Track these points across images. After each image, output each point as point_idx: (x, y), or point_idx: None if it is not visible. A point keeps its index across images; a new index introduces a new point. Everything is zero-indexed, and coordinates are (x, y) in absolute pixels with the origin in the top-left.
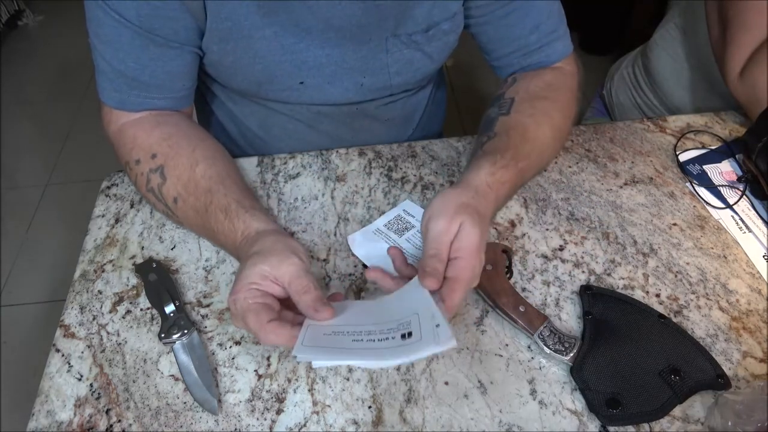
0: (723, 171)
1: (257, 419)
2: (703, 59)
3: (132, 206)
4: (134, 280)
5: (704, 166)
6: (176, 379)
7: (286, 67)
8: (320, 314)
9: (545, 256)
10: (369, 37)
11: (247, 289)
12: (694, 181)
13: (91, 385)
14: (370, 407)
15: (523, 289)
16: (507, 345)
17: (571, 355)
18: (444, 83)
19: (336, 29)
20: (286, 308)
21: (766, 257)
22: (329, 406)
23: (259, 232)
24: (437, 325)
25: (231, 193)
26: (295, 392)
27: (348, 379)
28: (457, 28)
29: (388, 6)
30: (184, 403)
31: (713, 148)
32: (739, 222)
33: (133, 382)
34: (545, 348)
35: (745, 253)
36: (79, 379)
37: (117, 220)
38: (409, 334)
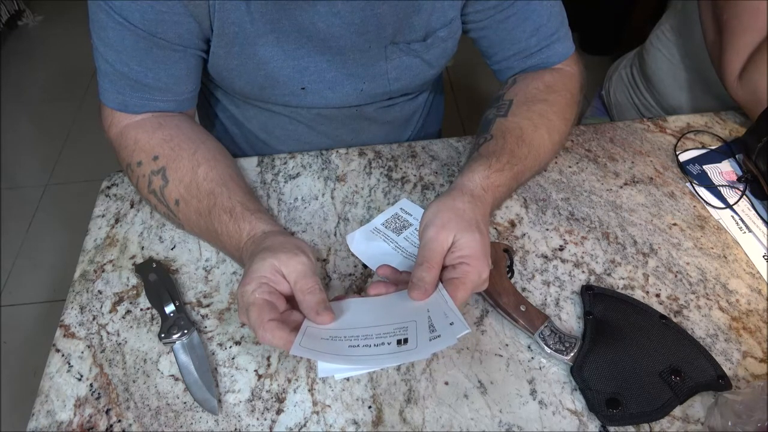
0: (723, 171)
1: (257, 419)
2: (698, 60)
3: (132, 206)
4: (134, 280)
5: (704, 166)
6: (176, 379)
7: (288, 72)
8: (321, 318)
9: (545, 256)
10: (368, 45)
11: (257, 282)
12: (694, 181)
13: (91, 385)
14: (370, 407)
15: (523, 289)
16: (507, 345)
17: (572, 354)
18: (442, 88)
19: (336, 37)
20: (294, 308)
21: (766, 257)
22: (329, 406)
23: (266, 232)
24: (451, 323)
25: (235, 196)
26: (295, 392)
27: (348, 379)
28: (454, 35)
29: (386, 15)
30: (184, 403)
31: (713, 148)
32: (739, 222)
33: (133, 382)
34: (546, 348)
35: (745, 253)
36: (79, 379)
37: (117, 220)
38: (405, 340)
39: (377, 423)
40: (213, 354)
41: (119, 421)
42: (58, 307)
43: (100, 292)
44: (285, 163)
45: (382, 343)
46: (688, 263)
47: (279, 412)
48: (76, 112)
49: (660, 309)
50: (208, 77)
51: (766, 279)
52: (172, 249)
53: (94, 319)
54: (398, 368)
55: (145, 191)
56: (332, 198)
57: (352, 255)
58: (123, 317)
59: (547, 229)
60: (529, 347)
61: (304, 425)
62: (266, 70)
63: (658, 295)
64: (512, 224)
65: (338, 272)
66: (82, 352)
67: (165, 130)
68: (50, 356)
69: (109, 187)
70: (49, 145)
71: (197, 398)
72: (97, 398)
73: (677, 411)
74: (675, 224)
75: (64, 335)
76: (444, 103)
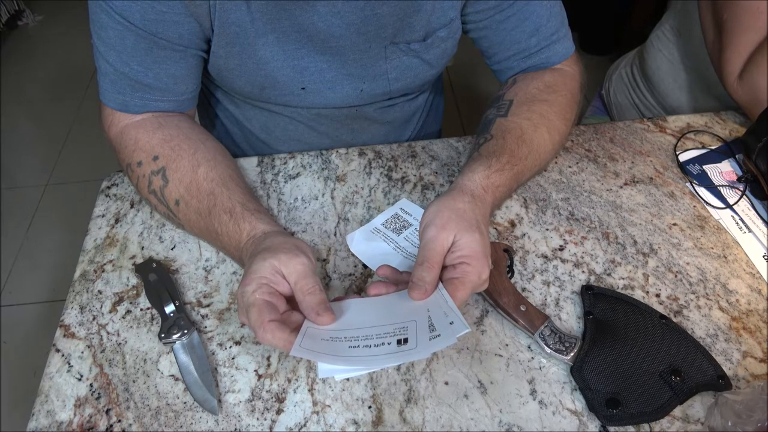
0: (723, 171)
1: (257, 419)
2: (699, 61)
3: (132, 206)
4: (134, 280)
5: (704, 166)
6: (176, 379)
7: (288, 72)
8: (321, 318)
9: (545, 256)
10: (368, 45)
11: (258, 283)
12: (694, 181)
13: (91, 385)
14: (370, 407)
15: (523, 289)
16: (507, 345)
17: (572, 354)
18: (442, 88)
19: (337, 37)
20: (294, 309)
21: (766, 257)
22: (329, 406)
23: (266, 232)
24: (451, 323)
25: (235, 196)
26: (295, 392)
27: (348, 379)
28: (454, 35)
29: (386, 15)
30: (184, 403)
31: (713, 148)
32: (739, 222)
33: (133, 382)
34: (546, 347)
35: (745, 253)
36: (79, 379)
37: (117, 220)
38: (405, 340)
39: (377, 423)
40: (213, 354)
41: (119, 421)
42: (58, 307)
43: (100, 292)
44: (285, 163)
45: (382, 344)
46: (688, 263)
47: (279, 412)
48: (76, 112)
49: (660, 309)
50: (209, 77)
51: (766, 279)
52: (172, 249)
53: (94, 319)
54: (398, 368)
55: (145, 191)
56: (332, 198)
57: (352, 255)
58: (123, 317)
59: (547, 229)
60: (529, 347)
61: (304, 425)
62: (266, 70)
63: (658, 295)
64: (512, 224)
65: (338, 272)
66: (82, 352)
67: (165, 129)
68: (50, 356)
69: (109, 187)
70: (49, 145)
71: (197, 398)
72: (97, 398)
73: (677, 411)
74: (675, 224)
75: (64, 335)
76: (444, 103)
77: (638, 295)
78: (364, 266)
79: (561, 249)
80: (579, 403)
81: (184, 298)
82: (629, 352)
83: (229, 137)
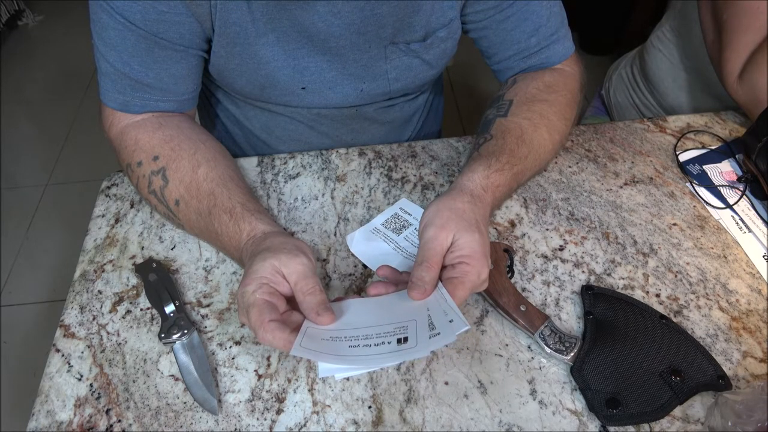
0: (723, 171)
1: (257, 419)
2: (698, 61)
3: (132, 206)
4: (134, 280)
5: (704, 166)
6: (176, 379)
7: (289, 72)
8: (321, 318)
9: (545, 256)
10: (368, 45)
11: (258, 283)
12: (694, 181)
13: (91, 385)
14: (370, 407)
15: (523, 289)
16: (507, 345)
17: (572, 354)
18: (442, 89)
19: (336, 37)
20: (294, 309)
21: (766, 257)
22: (329, 406)
23: (266, 233)
24: (450, 321)
25: (235, 196)
26: (295, 392)
27: (348, 379)
28: (453, 35)
29: (386, 15)
30: (184, 403)
31: (713, 148)
32: (739, 222)
33: (133, 382)
34: (546, 347)
35: (745, 253)
36: (79, 379)
37: (117, 220)
38: (405, 339)
39: (377, 423)
40: (213, 354)
41: (119, 421)
42: (58, 307)
43: (100, 292)
44: (285, 163)
45: (383, 343)
46: (688, 263)
47: (279, 412)
48: (76, 112)
49: (660, 309)
50: (209, 77)
51: (766, 279)
52: (172, 249)
53: (94, 319)
54: (398, 368)
55: (145, 191)
56: (332, 198)
57: (352, 255)
58: (123, 317)
59: (547, 229)
60: (529, 347)
61: (304, 425)
62: (267, 70)
63: (658, 295)
64: (512, 224)
65: (338, 272)
66: (82, 352)
67: (165, 130)
68: (50, 356)
69: (109, 187)
70: (49, 145)
71: (197, 398)
72: (97, 398)
73: (677, 411)
74: (675, 224)
75: (64, 335)
76: (444, 103)
77: (638, 295)
78: (364, 266)
79: (561, 249)
80: (579, 403)
81: (184, 298)
82: (629, 352)
83: (230, 137)
